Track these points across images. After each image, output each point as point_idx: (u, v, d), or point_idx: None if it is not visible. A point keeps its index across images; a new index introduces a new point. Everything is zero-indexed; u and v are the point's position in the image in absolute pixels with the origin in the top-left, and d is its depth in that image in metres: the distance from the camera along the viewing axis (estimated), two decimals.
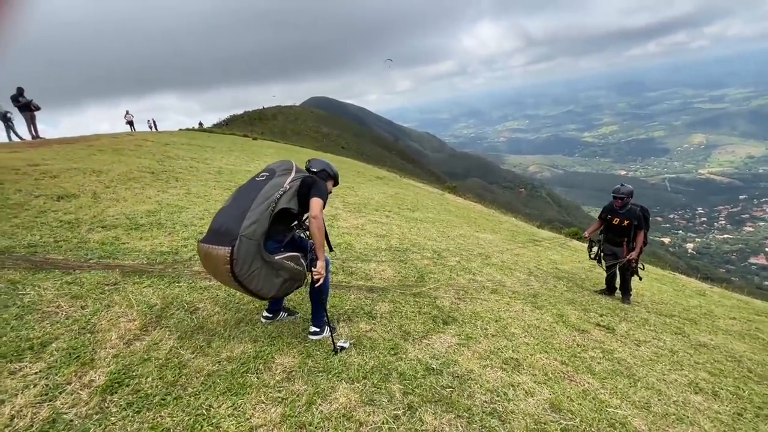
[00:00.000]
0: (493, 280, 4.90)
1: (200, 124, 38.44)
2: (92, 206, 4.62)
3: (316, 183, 2.50)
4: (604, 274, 5.47)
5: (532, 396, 2.48)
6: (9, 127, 12.08)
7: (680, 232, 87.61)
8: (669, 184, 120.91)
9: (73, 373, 1.86)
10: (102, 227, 3.97)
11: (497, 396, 2.40)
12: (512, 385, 2.55)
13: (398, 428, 1.93)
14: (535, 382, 2.66)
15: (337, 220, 6.71)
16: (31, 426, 1.54)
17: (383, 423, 1.95)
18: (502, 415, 2.22)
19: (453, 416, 2.13)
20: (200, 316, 2.63)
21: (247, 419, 1.80)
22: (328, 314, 2.67)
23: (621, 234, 5.05)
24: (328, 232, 2.70)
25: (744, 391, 3.13)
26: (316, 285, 2.44)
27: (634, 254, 4.92)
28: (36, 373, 1.83)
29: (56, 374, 1.84)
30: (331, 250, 2.83)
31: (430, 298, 3.83)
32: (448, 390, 2.36)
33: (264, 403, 1.93)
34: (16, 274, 2.69)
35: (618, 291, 5.41)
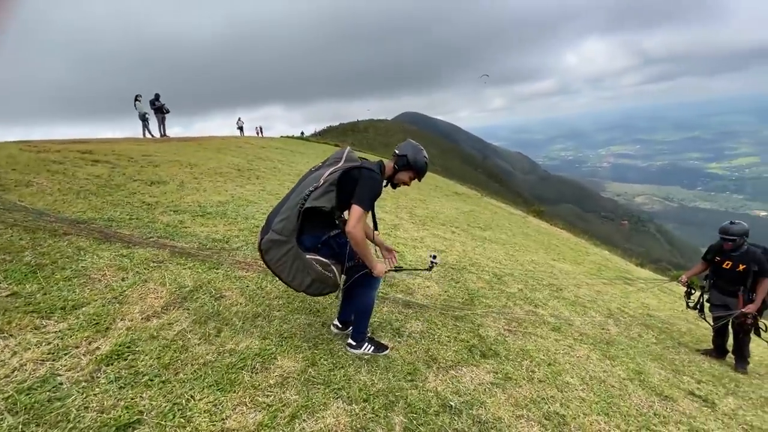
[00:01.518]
0: (559, 316, 4.21)
1: (302, 133, 42.13)
2: (175, 192, 5.16)
3: (364, 179, 2.12)
4: (711, 330, 4.36)
5: None
6: (145, 126, 14.47)
7: None
8: None
9: (85, 339, 1.95)
10: (174, 211, 4.36)
11: None
12: None
13: None
14: None
15: (398, 230, 6.54)
16: (25, 381, 1.62)
17: None
18: None
19: None
20: (223, 303, 2.64)
21: (222, 419, 1.68)
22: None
23: (735, 282, 3.97)
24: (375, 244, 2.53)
25: None
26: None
27: (752, 307, 3.81)
28: (56, 332, 1.96)
29: (71, 336, 1.95)
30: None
31: (474, 325, 3.40)
32: None
33: (246, 405, 1.79)
34: (86, 242, 3.04)
35: (730, 355, 4.26)
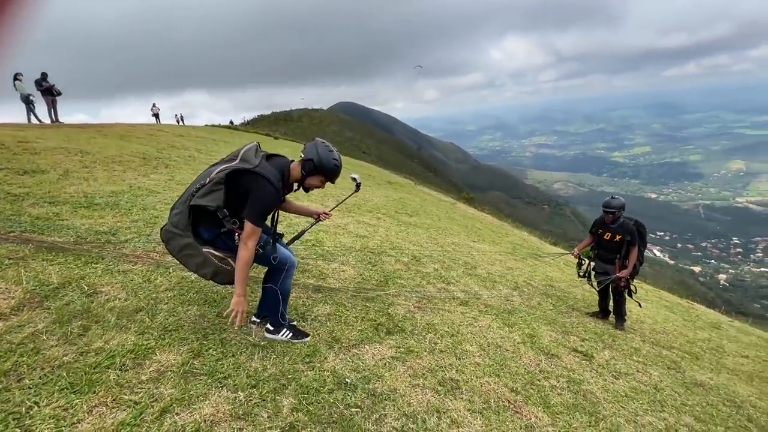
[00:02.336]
0: (468, 292, 4.47)
1: (231, 122, 39.52)
2: (54, 183, 4.51)
3: (255, 192, 2.01)
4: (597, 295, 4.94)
5: (457, 427, 2.08)
6: (30, 109, 12.47)
7: (712, 261, 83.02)
8: (703, 210, 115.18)
9: None
10: (50, 203, 3.81)
11: (413, 423, 2.01)
12: (438, 412, 2.16)
13: None
14: (469, 410, 2.25)
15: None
16: None
17: None
18: None
19: None
20: (96, 300, 2.37)
21: (72, 424, 1.50)
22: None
23: (613, 250, 4.53)
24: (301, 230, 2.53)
25: None
26: (233, 322, 2.12)
27: (625, 272, 4.38)
28: None
29: None
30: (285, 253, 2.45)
31: (385, 305, 3.46)
32: (353, 410, 1.99)
33: (107, 405, 1.62)
34: None
35: (613, 315, 4.87)
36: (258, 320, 2.59)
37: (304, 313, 2.91)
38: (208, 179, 2.04)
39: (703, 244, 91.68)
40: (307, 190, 2.38)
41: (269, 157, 2.26)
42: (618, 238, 4.47)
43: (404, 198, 12.87)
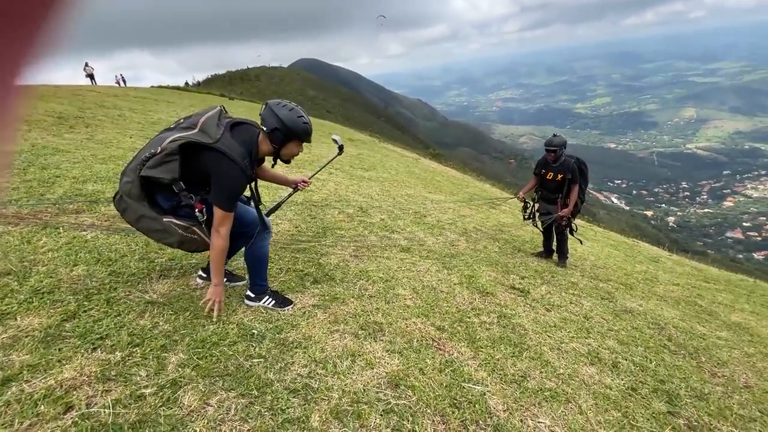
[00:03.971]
0: (412, 239, 4.36)
1: (186, 83, 36.62)
2: None
3: (218, 175, 1.80)
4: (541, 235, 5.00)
5: (371, 368, 1.98)
6: None
7: (663, 205, 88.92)
8: (657, 158, 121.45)
9: None
10: None
11: (322, 369, 1.89)
12: (353, 355, 2.05)
13: (126, 411, 1.40)
14: (387, 351, 2.16)
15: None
16: None
17: (114, 405, 1.41)
18: (310, 394, 1.71)
19: (235, 394, 1.61)
20: None
21: None
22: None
23: (555, 190, 4.51)
24: (257, 186, 2.18)
25: (651, 362, 2.70)
26: (210, 314, 2.00)
27: (566, 211, 4.40)
28: None
29: None
30: (265, 220, 2.26)
31: (317, 255, 3.28)
32: (254, 361, 1.84)
33: None
34: None
35: (556, 254, 4.96)
36: (204, 275, 2.38)
37: None
38: (159, 147, 1.78)
39: (656, 190, 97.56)
40: (288, 161, 2.09)
41: (234, 126, 1.92)
42: (560, 177, 4.43)
43: (363, 154, 12.50)
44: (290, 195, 2.80)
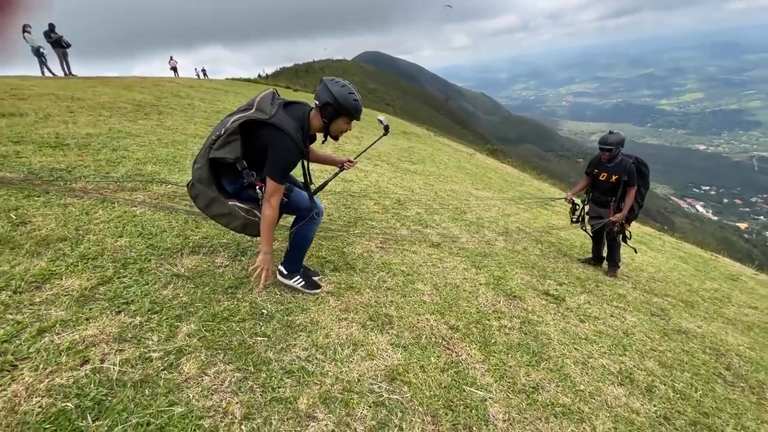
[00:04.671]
0: (445, 235, 4.25)
1: (259, 75, 39.16)
2: (29, 125, 4.52)
3: (274, 147, 1.91)
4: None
5: (371, 359, 1.97)
6: (42, 62, 12.60)
7: (761, 218, 77.47)
8: (757, 162, 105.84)
9: None
10: (15, 142, 3.83)
11: (321, 354, 1.92)
12: (355, 345, 2.05)
13: (132, 370, 1.54)
14: (392, 344, 2.13)
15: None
16: None
17: (123, 364, 1.56)
18: (304, 377, 1.75)
19: (232, 368, 1.70)
20: (21, 230, 2.35)
21: None
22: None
23: (608, 192, 4.11)
24: (310, 170, 2.34)
25: (696, 391, 2.38)
26: (258, 284, 2.18)
27: (619, 216, 3.99)
28: None
29: None
30: (316, 202, 2.37)
31: (342, 244, 3.32)
32: (258, 339, 1.92)
33: None
34: None
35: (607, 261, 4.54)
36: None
37: (245, 249, 2.82)
38: (223, 129, 1.95)
39: (753, 199, 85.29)
40: (336, 137, 2.19)
41: (287, 105, 2.08)
42: (614, 178, 4.03)
43: (414, 147, 12.39)
44: (336, 174, 2.83)
